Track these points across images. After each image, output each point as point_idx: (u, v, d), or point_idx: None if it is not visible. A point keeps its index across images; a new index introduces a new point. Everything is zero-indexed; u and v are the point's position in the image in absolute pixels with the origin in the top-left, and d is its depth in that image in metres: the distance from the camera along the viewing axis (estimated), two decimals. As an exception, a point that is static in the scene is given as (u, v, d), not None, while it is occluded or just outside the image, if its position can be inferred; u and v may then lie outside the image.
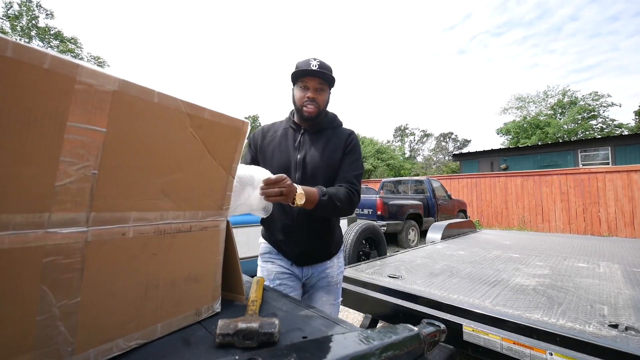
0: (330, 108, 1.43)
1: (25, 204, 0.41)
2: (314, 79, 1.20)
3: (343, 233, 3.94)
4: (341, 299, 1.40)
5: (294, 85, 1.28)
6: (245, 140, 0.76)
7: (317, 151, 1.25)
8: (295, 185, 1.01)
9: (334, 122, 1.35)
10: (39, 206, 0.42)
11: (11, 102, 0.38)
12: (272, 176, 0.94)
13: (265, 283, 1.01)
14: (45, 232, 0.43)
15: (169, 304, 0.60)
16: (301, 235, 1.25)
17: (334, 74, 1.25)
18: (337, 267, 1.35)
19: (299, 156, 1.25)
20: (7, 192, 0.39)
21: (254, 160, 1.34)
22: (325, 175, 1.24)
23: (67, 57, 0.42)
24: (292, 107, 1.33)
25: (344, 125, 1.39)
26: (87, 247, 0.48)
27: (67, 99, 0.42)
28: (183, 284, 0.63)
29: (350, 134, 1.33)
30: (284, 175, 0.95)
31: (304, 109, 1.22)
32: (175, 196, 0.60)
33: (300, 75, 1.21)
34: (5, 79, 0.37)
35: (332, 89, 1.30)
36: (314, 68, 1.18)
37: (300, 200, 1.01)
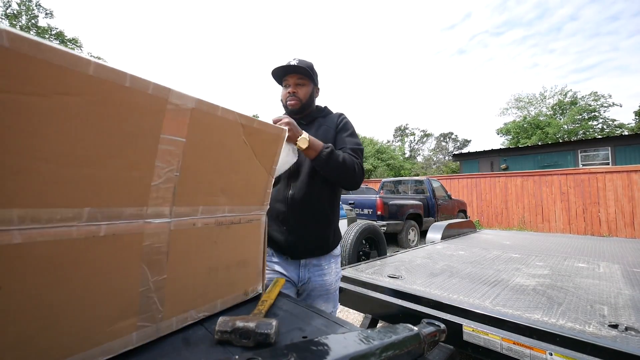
0: (331, 108, 1.45)
1: (134, 200, 0.52)
2: (293, 75, 1.30)
3: (343, 233, 3.98)
4: (339, 306, 1.38)
5: (281, 85, 1.37)
6: None
7: (311, 133, 1.26)
8: (302, 131, 1.09)
9: (324, 111, 1.42)
10: (142, 201, 0.54)
11: (127, 120, 0.48)
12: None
13: None
14: (144, 222, 0.54)
15: (225, 284, 0.72)
16: (295, 222, 1.22)
17: (315, 70, 1.33)
18: (334, 273, 1.32)
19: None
20: (123, 190, 0.50)
21: None
22: None
23: (161, 83, 0.52)
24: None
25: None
26: (171, 235, 0.59)
27: (162, 116, 0.53)
28: (235, 268, 0.75)
29: (340, 115, 1.39)
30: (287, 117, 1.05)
31: (287, 103, 1.30)
32: (230, 193, 0.71)
33: (281, 75, 1.31)
34: (124, 103, 0.47)
35: (316, 84, 1.36)
36: (291, 64, 1.26)
37: (303, 144, 1.05)
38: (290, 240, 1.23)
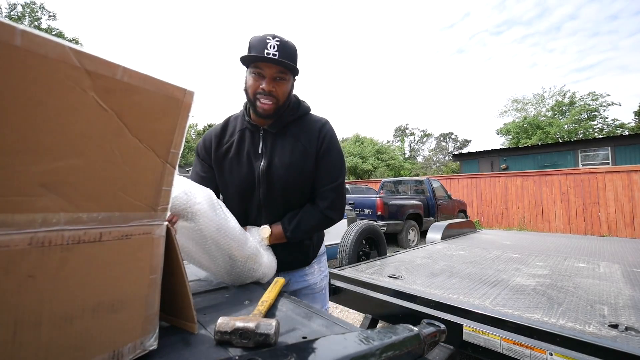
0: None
1: None
2: (271, 65, 0.93)
3: (343, 233, 3.98)
4: (328, 305, 1.29)
5: (246, 67, 0.99)
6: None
7: (284, 157, 1.01)
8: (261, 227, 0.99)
9: (298, 110, 1.06)
10: None
11: None
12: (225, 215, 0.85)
13: None
14: None
15: (60, 347, 0.41)
16: (275, 246, 1.04)
17: (298, 59, 0.99)
18: (318, 272, 1.18)
19: (262, 166, 1.01)
20: None
21: (204, 178, 1.07)
22: (298, 188, 1.04)
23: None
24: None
25: (315, 114, 1.11)
26: None
27: None
28: (88, 318, 0.44)
29: (323, 126, 1.05)
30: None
31: (258, 103, 0.96)
32: (68, 191, 0.42)
33: (253, 60, 0.94)
34: None
35: (296, 75, 1.02)
36: (269, 54, 0.90)
37: (266, 241, 0.98)
38: None
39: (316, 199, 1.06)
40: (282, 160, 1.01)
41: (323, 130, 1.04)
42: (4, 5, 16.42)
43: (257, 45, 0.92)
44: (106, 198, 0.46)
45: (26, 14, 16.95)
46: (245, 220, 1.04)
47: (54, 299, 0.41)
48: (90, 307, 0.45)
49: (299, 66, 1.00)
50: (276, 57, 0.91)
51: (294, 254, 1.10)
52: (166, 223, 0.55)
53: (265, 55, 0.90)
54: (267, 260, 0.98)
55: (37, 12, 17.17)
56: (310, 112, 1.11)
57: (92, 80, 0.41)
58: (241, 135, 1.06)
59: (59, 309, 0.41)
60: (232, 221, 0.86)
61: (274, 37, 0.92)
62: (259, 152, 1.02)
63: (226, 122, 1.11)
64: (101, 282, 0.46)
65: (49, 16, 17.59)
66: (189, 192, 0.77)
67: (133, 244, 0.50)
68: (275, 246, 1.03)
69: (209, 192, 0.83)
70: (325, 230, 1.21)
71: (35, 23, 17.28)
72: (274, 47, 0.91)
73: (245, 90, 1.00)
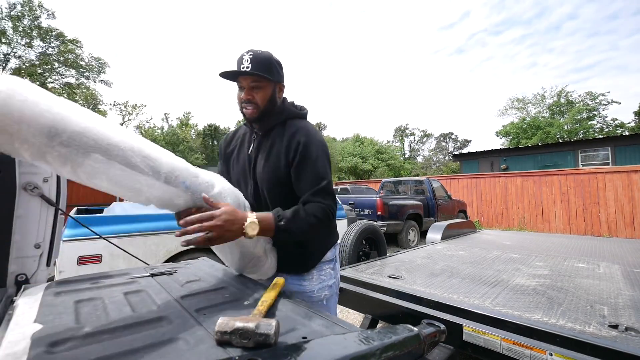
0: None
1: None
2: (246, 77, 1.03)
3: (342, 233, 3.98)
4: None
5: None
6: None
7: (263, 158, 1.09)
8: (246, 213, 0.88)
9: (282, 114, 1.11)
10: None
11: None
12: (206, 205, 0.83)
13: None
14: None
15: None
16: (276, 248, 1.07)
17: (274, 63, 1.06)
18: (317, 281, 1.12)
19: (251, 166, 1.12)
20: None
21: (221, 173, 1.20)
22: (278, 191, 1.06)
23: None
24: None
25: (310, 117, 1.17)
26: None
27: None
28: None
29: (295, 132, 1.06)
30: (218, 211, 0.80)
31: (244, 110, 1.07)
32: None
33: (230, 75, 1.05)
34: None
35: (279, 81, 1.09)
36: (243, 67, 1.00)
37: (251, 231, 0.84)
38: None
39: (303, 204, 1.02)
40: (262, 161, 1.09)
41: (296, 136, 1.05)
42: (3, 5, 16.42)
43: (237, 62, 1.04)
44: None
45: (25, 13, 16.94)
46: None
47: None
48: None
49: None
50: (248, 70, 1.00)
51: (295, 255, 1.10)
52: None
53: (240, 69, 1.01)
54: (270, 260, 1.05)
55: (36, 10, 17.16)
56: (300, 117, 1.14)
57: None
58: (242, 138, 1.20)
59: None
60: None
61: (248, 52, 1.02)
62: (249, 152, 1.14)
63: (239, 127, 1.28)
64: None
65: (48, 14, 17.57)
66: (224, 189, 0.90)
67: None
68: (276, 248, 1.08)
69: (238, 194, 0.96)
70: None
71: (35, 22, 17.27)
72: (247, 61, 1.01)
73: (238, 102, 1.11)
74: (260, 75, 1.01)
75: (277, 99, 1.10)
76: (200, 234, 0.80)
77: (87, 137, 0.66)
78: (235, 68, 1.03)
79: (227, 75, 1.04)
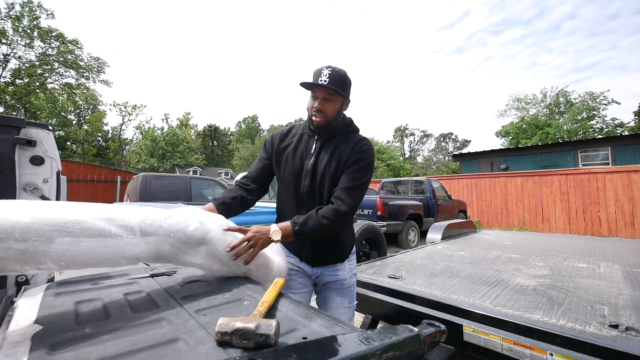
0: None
1: None
2: (322, 89, 1.19)
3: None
4: (356, 302, 1.39)
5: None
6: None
7: (326, 159, 1.25)
8: (268, 226, 1.08)
9: (348, 127, 1.32)
10: None
11: None
12: (234, 235, 0.99)
13: None
14: None
15: None
16: (314, 242, 1.27)
17: (348, 80, 1.23)
18: (348, 269, 1.34)
19: (310, 163, 1.26)
20: None
21: (265, 165, 1.37)
22: (331, 184, 1.24)
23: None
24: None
25: (360, 132, 1.37)
26: None
27: None
28: None
29: (359, 141, 1.28)
30: (244, 229, 1.02)
31: (313, 118, 1.24)
32: None
33: (309, 86, 1.22)
34: None
35: (347, 97, 1.27)
36: (321, 80, 1.16)
37: (276, 236, 1.06)
38: (307, 250, 1.30)
39: (332, 198, 1.20)
40: (324, 160, 1.25)
41: (359, 144, 1.26)
42: (2, 5, 16.44)
43: (315, 74, 1.19)
44: None
45: (25, 13, 16.94)
46: (298, 202, 1.27)
47: None
48: None
49: (353, 90, 1.30)
50: (326, 83, 1.15)
51: (329, 249, 1.29)
52: None
53: (319, 82, 1.16)
54: (278, 265, 1.11)
55: (35, 10, 17.16)
56: (358, 131, 1.35)
57: None
58: (300, 138, 1.34)
59: None
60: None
61: (327, 67, 1.18)
62: (311, 152, 1.28)
63: (292, 127, 1.41)
64: None
65: (47, 14, 17.58)
66: (204, 222, 0.93)
67: None
68: (314, 242, 1.26)
69: (219, 219, 1.02)
70: None
71: (35, 22, 17.28)
72: (326, 75, 1.16)
73: (307, 108, 1.28)
74: (336, 90, 1.17)
75: (342, 112, 1.29)
76: (245, 244, 0.99)
77: (40, 224, 0.64)
78: (311, 79, 1.19)
79: (305, 85, 1.20)
